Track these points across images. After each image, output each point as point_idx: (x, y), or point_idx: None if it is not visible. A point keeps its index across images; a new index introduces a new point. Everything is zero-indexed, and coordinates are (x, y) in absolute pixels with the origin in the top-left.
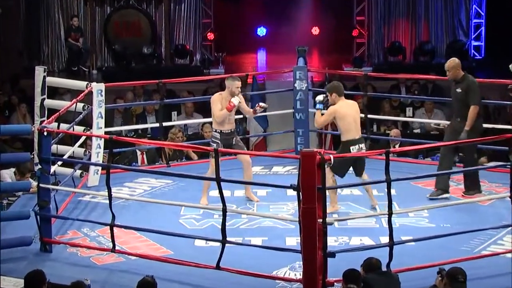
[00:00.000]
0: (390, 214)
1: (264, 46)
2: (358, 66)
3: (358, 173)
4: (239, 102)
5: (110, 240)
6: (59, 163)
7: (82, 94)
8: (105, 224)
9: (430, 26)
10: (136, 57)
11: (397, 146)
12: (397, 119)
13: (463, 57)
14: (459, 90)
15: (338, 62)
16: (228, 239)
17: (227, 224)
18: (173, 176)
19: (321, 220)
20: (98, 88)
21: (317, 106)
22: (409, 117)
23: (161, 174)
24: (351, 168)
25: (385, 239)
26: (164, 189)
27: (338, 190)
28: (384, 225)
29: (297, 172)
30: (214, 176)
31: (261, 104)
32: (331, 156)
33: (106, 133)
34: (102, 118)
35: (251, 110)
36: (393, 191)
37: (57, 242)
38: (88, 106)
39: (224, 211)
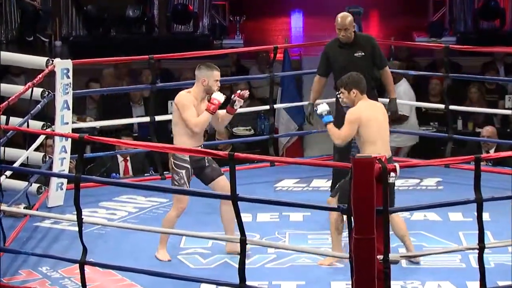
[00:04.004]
0: (481, 248)
1: (301, 6)
2: (436, 35)
3: None
4: (225, 97)
5: (80, 284)
6: (8, 173)
7: (40, 75)
8: (73, 261)
9: None
10: (118, 23)
11: (491, 150)
12: (493, 111)
13: None
14: (359, 53)
15: (408, 29)
16: (248, 283)
17: (247, 261)
18: (169, 192)
19: (381, 256)
20: (63, 66)
21: (325, 119)
22: (509, 109)
23: (153, 190)
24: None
25: (474, 285)
26: (157, 211)
27: (406, 213)
28: (473, 265)
29: None
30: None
31: (241, 92)
32: (397, 166)
33: (74, 130)
34: (69, 109)
35: (224, 112)
36: (485, 216)
37: (4, 286)
38: (50, 93)
39: (243, 242)
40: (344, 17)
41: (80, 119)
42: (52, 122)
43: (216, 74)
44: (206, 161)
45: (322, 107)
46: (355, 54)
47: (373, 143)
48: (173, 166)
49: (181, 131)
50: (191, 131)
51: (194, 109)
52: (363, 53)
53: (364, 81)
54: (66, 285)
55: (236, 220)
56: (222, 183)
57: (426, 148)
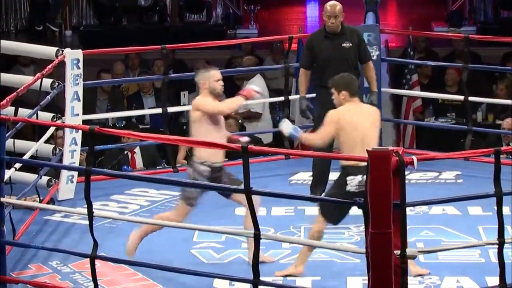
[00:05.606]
0: (501, 243)
1: None
2: (455, 25)
3: None
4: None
5: (91, 278)
6: (17, 165)
7: (50, 66)
8: (84, 256)
9: None
10: (129, 12)
11: None
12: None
13: None
14: (347, 44)
15: (426, 19)
16: (262, 278)
17: (261, 256)
18: (182, 186)
19: (399, 251)
20: (73, 56)
21: (293, 134)
22: None
23: (165, 183)
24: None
25: (493, 280)
26: (170, 204)
27: (424, 207)
28: (492, 260)
29: (363, 181)
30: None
31: (251, 88)
32: (414, 158)
33: (85, 122)
34: (79, 100)
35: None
36: (505, 209)
37: (14, 280)
38: (59, 84)
39: (257, 237)
40: (334, 5)
41: None
42: (62, 114)
43: (214, 74)
44: (224, 177)
45: (285, 129)
46: (342, 44)
47: (352, 149)
48: (190, 177)
49: (201, 132)
50: (215, 122)
51: (212, 102)
52: (350, 44)
53: (357, 83)
54: (77, 280)
55: (250, 214)
56: (242, 199)
57: (445, 141)
